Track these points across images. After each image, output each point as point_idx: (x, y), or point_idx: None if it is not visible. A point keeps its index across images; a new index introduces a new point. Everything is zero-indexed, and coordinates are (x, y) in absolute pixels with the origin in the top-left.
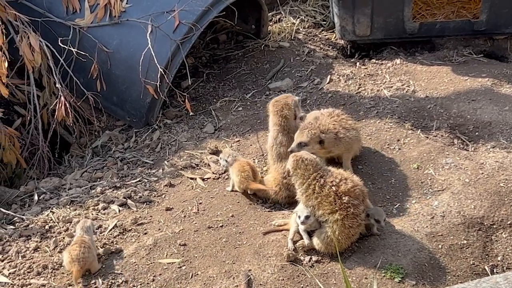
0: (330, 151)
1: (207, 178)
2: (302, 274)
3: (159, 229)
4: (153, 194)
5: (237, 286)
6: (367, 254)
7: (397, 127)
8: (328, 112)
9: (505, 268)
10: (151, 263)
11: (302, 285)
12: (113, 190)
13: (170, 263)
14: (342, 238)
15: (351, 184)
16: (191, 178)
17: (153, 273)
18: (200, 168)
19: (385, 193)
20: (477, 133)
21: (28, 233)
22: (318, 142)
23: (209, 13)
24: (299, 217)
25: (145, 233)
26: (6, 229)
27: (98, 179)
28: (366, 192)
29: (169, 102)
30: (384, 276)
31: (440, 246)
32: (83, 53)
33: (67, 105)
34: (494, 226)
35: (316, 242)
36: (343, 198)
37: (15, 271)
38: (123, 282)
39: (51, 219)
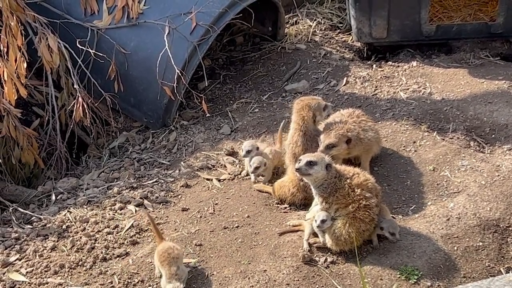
0: (349, 152)
1: (223, 179)
2: (318, 275)
3: (175, 229)
4: (169, 195)
5: (252, 286)
6: (382, 255)
7: (413, 129)
8: (348, 112)
9: None
10: None
11: (317, 286)
12: (129, 191)
13: (186, 263)
14: (353, 230)
15: (363, 177)
16: (207, 179)
17: None
18: (216, 169)
19: (401, 194)
20: (493, 136)
21: (45, 232)
22: (345, 142)
23: (226, 15)
24: (315, 221)
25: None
26: (24, 228)
27: (115, 180)
28: (379, 189)
29: (186, 103)
30: (399, 277)
31: (455, 248)
32: (101, 55)
33: (85, 106)
34: (510, 228)
35: (327, 238)
36: (356, 190)
37: (32, 270)
38: (139, 282)
39: (68, 219)
